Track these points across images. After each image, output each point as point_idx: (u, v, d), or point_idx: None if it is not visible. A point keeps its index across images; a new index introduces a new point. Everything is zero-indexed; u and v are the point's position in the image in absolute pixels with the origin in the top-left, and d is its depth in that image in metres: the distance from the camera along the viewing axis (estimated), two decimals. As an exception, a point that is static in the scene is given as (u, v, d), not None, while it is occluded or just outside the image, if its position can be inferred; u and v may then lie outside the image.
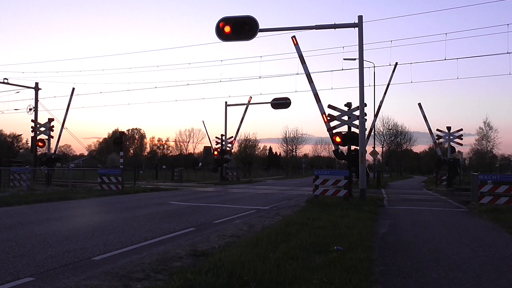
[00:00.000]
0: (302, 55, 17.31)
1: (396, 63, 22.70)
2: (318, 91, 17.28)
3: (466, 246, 7.47)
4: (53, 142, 26.65)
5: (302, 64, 17.33)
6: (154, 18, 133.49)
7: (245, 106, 33.71)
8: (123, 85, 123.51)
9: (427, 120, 28.99)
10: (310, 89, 17.45)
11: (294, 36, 17.17)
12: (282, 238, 7.32)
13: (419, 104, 28.53)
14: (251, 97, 33.10)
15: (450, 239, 8.22)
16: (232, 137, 36.53)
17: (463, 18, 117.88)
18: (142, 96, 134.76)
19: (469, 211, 13.59)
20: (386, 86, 23.09)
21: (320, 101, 17.29)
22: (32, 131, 26.59)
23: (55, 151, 27.03)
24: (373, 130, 34.37)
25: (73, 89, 26.86)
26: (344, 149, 18.13)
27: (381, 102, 24.23)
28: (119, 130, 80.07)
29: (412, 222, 10.77)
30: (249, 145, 69.28)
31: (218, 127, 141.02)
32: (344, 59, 25.32)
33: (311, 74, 17.27)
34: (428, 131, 29.75)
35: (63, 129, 26.54)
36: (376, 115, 27.06)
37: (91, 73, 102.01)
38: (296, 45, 17.25)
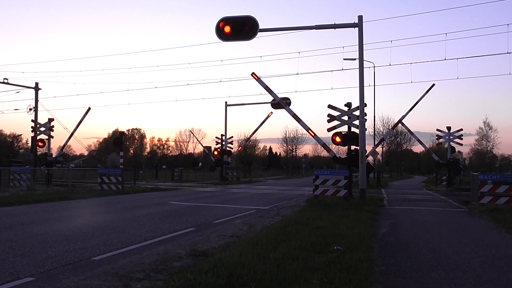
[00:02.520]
0: (267, 86, 18.04)
1: (433, 84, 23.99)
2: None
3: (466, 246, 7.47)
4: (53, 142, 26.82)
5: (270, 94, 18.06)
6: (154, 18, 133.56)
7: (264, 118, 33.66)
8: (123, 85, 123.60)
9: (413, 134, 30.40)
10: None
11: (253, 73, 18.01)
12: (282, 238, 7.32)
13: (402, 123, 29.28)
14: (271, 112, 33.15)
15: (450, 239, 8.22)
16: (232, 137, 36.62)
17: (463, 18, 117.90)
18: (142, 96, 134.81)
19: (469, 211, 13.59)
20: (414, 103, 23.72)
21: (300, 120, 17.71)
22: (32, 131, 26.59)
23: (58, 155, 27.15)
24: (375, 137, 34.76)
25: (89, 108, 26.46)
26: (344, 149, 18.23)
27: (403, 117, 24.91)
28: (119, 130, 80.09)
29: (412, 222, 10.77)
30: (249, 145, 69.27)
31: (218, 127, 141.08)
32: (344, 59, 25.34)
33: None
34: (421, 143, 31.34)
35: (71, 138, 26.74)
36: (393, 127, 27.87)
37: (91, 73, 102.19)
38: (258, 79, 18.02)
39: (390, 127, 62.55)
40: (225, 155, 34.79)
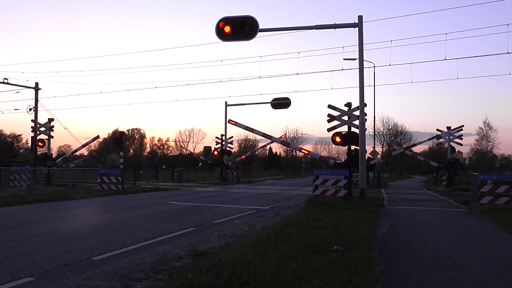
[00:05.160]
0: (246, 126, 19.44)
1: (462, 126, 26.79)
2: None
3: (466, 246, 7.47)
4: (53, 142, 27.04)
5: (252, 132, 19.41)
6: (154, 18, 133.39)
7: (277, 138, 34.10)
8: (123, 85, 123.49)
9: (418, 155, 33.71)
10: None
11: (230, 120, 18.92)
12: (282, 238, 7.32)
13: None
14: (285, 134, 33.54)
15: (450, 239, 8.22)
16: (232, 137, 36.63)
17: (463, 18, 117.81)
18: (142, 96, 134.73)
19: (469, 211, 13.59)
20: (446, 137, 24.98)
21: (290, 144, 18.66)
22: (32, 131, 26.62)
23: (60, 161, 27.52)
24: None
25: (98, 136, 27.72)
26: (344, 149, 18.32)
27: (419, 143, 26.23)
28: (119, 130, 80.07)
29: (412, 222, 10.78)
30: (249, 145, 69.24)
31: (219, 127, 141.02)
32: (344, 59, 25.33)
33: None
34: (425, 159, 33.53)
35: (75, 152, 27.51)
36: (408, 148, 28.91)
37: (91, 73, 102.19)
38: (236, 124, 19.61)
39: (389, 127, 62.74)
40: (225, 155, 34.84)
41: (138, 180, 30.45)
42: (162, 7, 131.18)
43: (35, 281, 5.07)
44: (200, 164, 44.05)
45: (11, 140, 79.71)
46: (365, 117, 16.39)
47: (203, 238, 7.92)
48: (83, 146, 28.83)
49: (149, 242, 7.66)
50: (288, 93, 47.73)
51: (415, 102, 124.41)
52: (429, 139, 35.11)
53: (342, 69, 79.77)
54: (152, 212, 12.42)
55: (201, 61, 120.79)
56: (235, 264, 5.24)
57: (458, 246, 7.45)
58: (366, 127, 17.06)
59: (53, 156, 27.32)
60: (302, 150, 17.72)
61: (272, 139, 18.48)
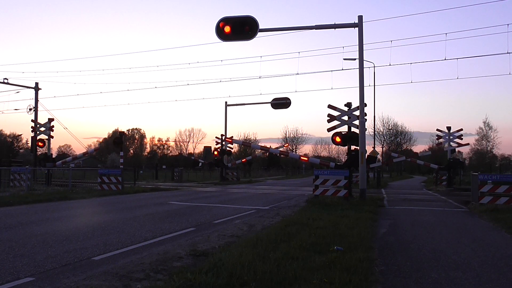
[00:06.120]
0: (243, 142, 20.97)
1: (463, 134, 27.30)
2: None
3: (466, 246, 7.47)
4: (53, 142, 27.13)
5: (249, 145, 19.79)
6: (154, 18, 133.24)
7: (274, 149, 34.17)
8: (123, 85, 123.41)
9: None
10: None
11: (227, 138, 19.10)
12: (282, 238, 7.32)
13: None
14: (288, 144, 33.60)
15: (450, 239, 8.22)
16: (232, 136, 36.66)
17: (463, 18, 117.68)
18: (142, 96, 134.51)
19: (469, 211, 13.60)
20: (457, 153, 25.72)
21: (289, 153, 19.00)
22: (32, 131, 26.62)
23: (60, 163, 27.81)
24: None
25: (98, 148, 29.13)
26: (344, 149, 18.32)
27: (423, 153, 26.22)
28: (119, 130, 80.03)
29: (412, 222, 10.78)
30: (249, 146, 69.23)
31: (219, 127, 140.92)
32: (344, 59, 25.32)
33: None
34: (425, 163, 33.88)
35: (75, 159, 28.25)
36: (409, 157, 29.29)
37: (91, 73, 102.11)
38: (233, 141, 20.10)
39: (389, 127, 62.84)
40: (225, 155, 34.84)
41: (138, 180, 30.45)
42: (162, 7, 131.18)
43: (35, 281, 5.08)
44: (200, 164, 44.02)
45: (11, 140, 79.67)
46: (365, 117, 16.39)
47: (203, 238, 7.92)
48: (84, 153, 30.13)
49: (149, 242, 7.67)
50: (288, 93, 47.65)
51: (415, 102, 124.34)
52: (431, 149, 37.09)
53: (342, 69, 79.60)
54: (152, 212, 12.42)
55: (201, 61, 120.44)
56: (235, 264, 5.25)
57: (458, 246, 7.45)
58: (366, 127, 17.06)
59: (53, 156, 27.36)
60: (302, 158, 17.70)
61: (270, 150, 18.44)
